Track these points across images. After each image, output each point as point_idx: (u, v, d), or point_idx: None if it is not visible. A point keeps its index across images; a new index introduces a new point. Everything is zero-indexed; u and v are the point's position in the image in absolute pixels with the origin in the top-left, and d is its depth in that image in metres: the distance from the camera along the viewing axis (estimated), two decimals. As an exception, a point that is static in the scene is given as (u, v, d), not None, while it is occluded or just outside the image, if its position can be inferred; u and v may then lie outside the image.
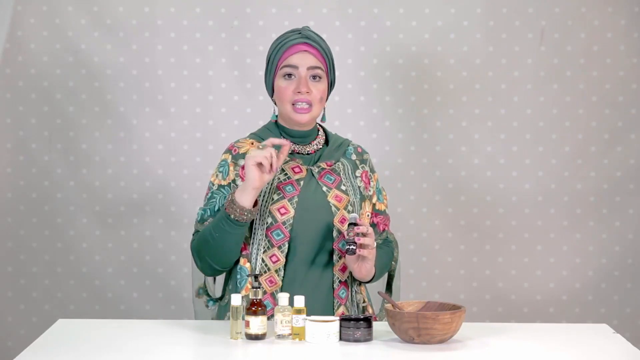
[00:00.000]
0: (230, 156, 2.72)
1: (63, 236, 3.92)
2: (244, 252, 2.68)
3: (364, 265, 2.63)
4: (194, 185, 3.90)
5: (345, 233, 2.60)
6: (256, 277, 2.48)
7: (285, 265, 2.66)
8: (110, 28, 3.88)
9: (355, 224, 2.58)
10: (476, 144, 3.93)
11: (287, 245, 2.65)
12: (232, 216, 2.56)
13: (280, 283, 2.65)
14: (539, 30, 3.90)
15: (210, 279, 2.79)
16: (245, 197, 2.56)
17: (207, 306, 2.79)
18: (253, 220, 2.66)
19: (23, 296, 3.93)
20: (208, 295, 2.80)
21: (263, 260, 2.66)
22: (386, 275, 2.87)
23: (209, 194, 2.71)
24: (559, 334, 2.56)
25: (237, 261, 2.68)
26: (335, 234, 2.68)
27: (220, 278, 2.80)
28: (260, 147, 2.57)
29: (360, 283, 2.76)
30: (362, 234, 2.58)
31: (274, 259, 2.66)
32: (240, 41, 3.90)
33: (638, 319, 3.94)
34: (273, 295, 2.64)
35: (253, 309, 2.41)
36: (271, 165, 2.54)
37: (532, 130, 3.92)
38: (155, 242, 3.93)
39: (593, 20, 3.89)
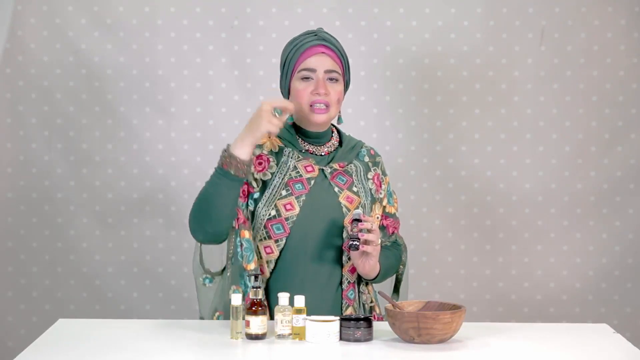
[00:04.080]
0: None
1: (63, 236, 3.92)
2: (244, 224, 2.67)
3: (367, 262, 2.63)
4: (194, 185, 3.90)
5: (349, 229, 2.60)
6: (256, 277, 2.49)
7: (293, 264, 2.66)
8: (110, 28, 3.88)
9: (359, 220, 2.58)
10: (476, 144, 3.93)
11: (284, 241, 2.65)
12: (232, 171, 2.56)
13: (268, 274, 2.65)
14: (539, 30, 3.90)
15: (207, 257, 2.78)
16: (243, 151, 2.56)
17: (204, 284, 2.78)
18: (256, 207, 2.67)
19: (23, 296, 3.93)
20: (205, 272, 2.78)
21: (257, 247, 2.67)
22: (394, 277, 2.87)
23: None
24: (559, 334, 2.55)
25: (237, 235, 2.67)
26: (345, 234, 2.68)
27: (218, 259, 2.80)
28: (278, 111, 2.57)
29: (367, 283, 2.76)
30: (366, 230, 2.58)
31: (267, 250, 2.66)
32: (240, 41, 3.90)
33: (638, 319, 3.94)
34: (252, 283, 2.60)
35: (253, 309, 2.41)
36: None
37: (532, 130, 3.93)
38: (155, 242, 3.93)
39: (593, 20, 3.89)
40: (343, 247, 2.68)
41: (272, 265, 2.67)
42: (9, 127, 3.90)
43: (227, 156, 2.56)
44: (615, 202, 3.93)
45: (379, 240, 2.63)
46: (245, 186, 2.67)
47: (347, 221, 2.68)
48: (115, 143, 3.91)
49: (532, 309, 3.94)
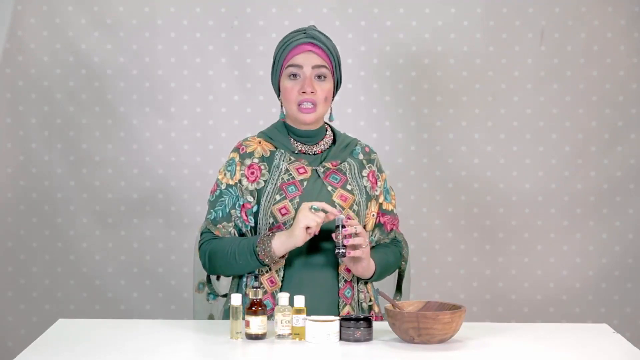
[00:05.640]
0: (237, 155, 2.74)
1: (63, 236, 3.92)
2: None
3: (359, 264, 2.63)
4: (194, 185, 3.90)
5: (333, 236, 2.59)
6: (256, 277, 2.49)
7: (289, 264, 2.67)
8: (110, 28, 3.88)
9: (343, 226, 2.57)
10: (476, 144, 3.93)
11: None
12: (264, 261, 2.61)
13: (280, 283, 2.66)
14: (539, 30, 3.90)
15: (215, 276, 2.83)
16: (282, 249, 2.60)
17: (207, 300, 2.81)
18: (257, 218, 2.69)
19: (23, 296, 3.93)
20: (210, 289, 2.82)
21: None
22: (396, 275, 2.87)
23: (217, 191, 2.72)
24: (559, 334, 2.56)
25: None
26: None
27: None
28: (314, 208, 2.58)
29: (365, 282, 2.76)
30: (354, 234, 2.58)
31: None
32: (240, 41, 3.90)
33: (638, 319, 3.94)
34: (273, 295, 2.64)
35: (253, 309, 2.41)
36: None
37: (532, 130, 3.93)
38: (155, 242, 3.93)
39: (593, 20, 3.89)
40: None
41: (281, 273, 2.67)
42: (9, 127, 3.90)
43: (267, 250, 2.59)
44: (615, 202, 3.93)
45: (367, 242, 2.62)
46: (247, 205, 2.70)
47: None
48: (115, 143, 3.91)
49: (532, 309, 3.94)
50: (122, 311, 3.92)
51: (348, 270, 2.70)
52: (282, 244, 2.59)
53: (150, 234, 3.93)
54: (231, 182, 2.71)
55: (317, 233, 2.58)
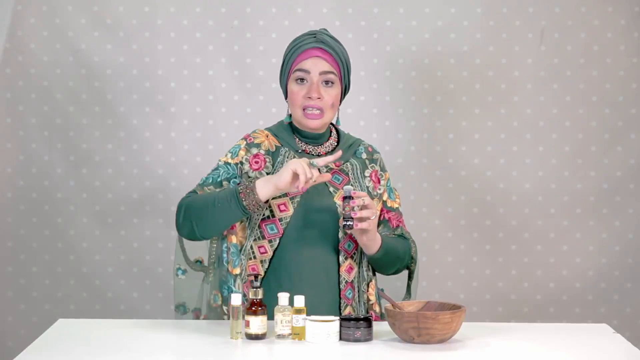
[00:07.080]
0: (244, 142, 2.74)
1: (63, 236, 3.92)
2: (232, 229, 2.69)
3: (365, 235, 2.61)
4: (194, 185, 3.89)
5: (341, 208, 2.58)
6: (256, 277, 2.49)
7: (289, 265, 2.66)
8: (110, 28, 3.88)
9: (350, 197, 2.56)
10: (476, 144, 3.93)
11: (277, 241, 2.66)
12: (244, 202, 2.57)
13: (262, 273, 2.65)
14: (539, 30, 3.90)
15: (189, 249, 2.80)
16: (265, 190, 2.56)
17: (176, 275, 2.80)
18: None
19: (23, 296, 3.93)
20: (182, 265, 2.80)
21: (252, 247, 2.68)
22: (406, 275, 2.86)
23: (215, 167, 2.73)
24: (559, 334, 2.56)
25: (222, 237, 2.71)
26: (340, 235, 2.68)
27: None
28: (312, 163, 2.56)
29: (368, 283, 2.76)
30: (359, 207, 2.56)
31: (262, 249, 2.67)
32: (240, 41, 3.90)
33: (638, 319, 3.94)
34: (251, 283, 2.62)
35: (253, 309, 2.41)
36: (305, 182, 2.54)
37: (532, 130, 3.93)
38: (155, 242, 3.93)
39: (593, 20, 3.89)
40: (339, 247, 2.67)
41: (266, 265, 2.67)
42: (9, 127, 3.90)
43: (248, 188, 2.57)
44: (615, 202, 3.93)
45: (375, 213, 2.60)
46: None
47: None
48: (115, 143, 3.91)
49: (532, 309, 3.94)
50: (122, 311, 3.92)
51: (349, 272, 2.70)
52: (266, 182, 2.55)
53: (150, 234, 3.93)
54: (231, 161, 2.71)
55: (304, 190, 2.55)
